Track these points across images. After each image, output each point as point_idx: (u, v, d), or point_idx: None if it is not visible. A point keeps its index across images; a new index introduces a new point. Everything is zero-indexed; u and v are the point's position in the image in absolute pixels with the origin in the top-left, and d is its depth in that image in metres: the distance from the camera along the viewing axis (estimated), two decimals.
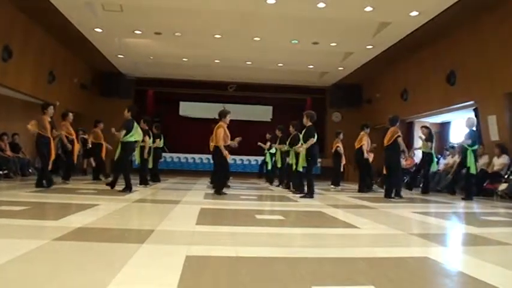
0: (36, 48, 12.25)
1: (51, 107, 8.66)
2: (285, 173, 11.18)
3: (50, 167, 8.51)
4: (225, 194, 8.18)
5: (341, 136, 11.48)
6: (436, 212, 6.65)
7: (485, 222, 5.53)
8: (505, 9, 9.65)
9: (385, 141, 8.75)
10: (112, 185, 8.21)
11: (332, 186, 11.40)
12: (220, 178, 8.64)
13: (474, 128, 9.27)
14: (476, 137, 9.17)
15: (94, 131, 11.58)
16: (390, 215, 5.99)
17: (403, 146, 8.76)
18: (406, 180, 11.20)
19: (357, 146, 10.69)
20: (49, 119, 8.52)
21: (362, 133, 10.72)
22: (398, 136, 8.56)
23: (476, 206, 7.74)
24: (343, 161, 11.52)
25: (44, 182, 8.32)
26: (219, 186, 8.35)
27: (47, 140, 8.35)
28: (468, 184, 9.00)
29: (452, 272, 2.76)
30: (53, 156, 8.55)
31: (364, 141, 10.53)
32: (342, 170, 11.85)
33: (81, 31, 12.26)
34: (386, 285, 2.38)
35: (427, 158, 10.38)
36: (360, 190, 10.19)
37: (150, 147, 10.44)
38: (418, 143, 11.81)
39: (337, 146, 11.31)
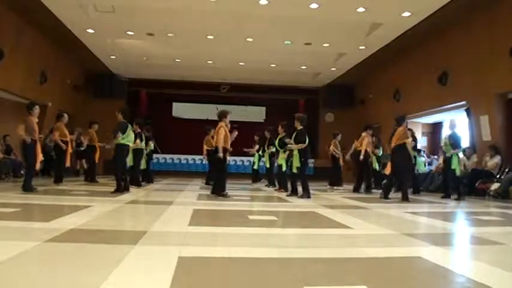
0: (28, 48, 12.16)
1: (37, 106, 8.15)
2: (274, 174, 11.32)
3: (37, 168, 8.25)
4: (226, 195, 7.82)
5: (338, 138, 11.27)
6: (429, 212, 6.69)
7: (477, 222, 5.55)
8: (496, 9, 9.73)
9: (393, 142, 8.38)
10: (121, 187, 8.11)
11: (329, 187, 11.28)
12: (219, 179, 8.20)
13: (456, 131, 9.32)
14: (459, 139, 9.22)
15: (89, 132, 11.29)
16: (383, 215, 6.00)
17: (410, 149, 8.49)
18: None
19: (357, 146, 10.44)
20: (36, 120, 8.04)
21: (364, 134, 10.40)
22: (407, 141, 8.29)
23: (469, 206, 7.78)
24: (341, 163, 11.36)
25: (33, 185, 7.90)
26: (218, 188, 8.02)
27: (33, 143, 7.85)
28: (457, 185, 9.06)
29: (444, 272, 2.76)
30: (40, 159, 8.12)
31: (366, 144, 10.25)
32: (341, 170, 11.68)
33: (73, 32, 12.21)
34: (378, 285, 2.39)
35: None
36: (355, 190, 10.09)
37: (142, 150, 10.46)
38: None
39: (333, 149, 11.13)
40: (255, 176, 13.61)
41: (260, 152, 12.55)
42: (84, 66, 16.65)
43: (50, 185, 9.23)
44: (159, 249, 3.16)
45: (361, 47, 13.11)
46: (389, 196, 8.40)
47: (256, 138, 12.97)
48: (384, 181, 9.65)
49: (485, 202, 8.53)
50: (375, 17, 10.75)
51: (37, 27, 12.14)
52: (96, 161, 11.56)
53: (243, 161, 17.99)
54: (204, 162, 12.74)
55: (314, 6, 9.92)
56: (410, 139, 8.51)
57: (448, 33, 11.51)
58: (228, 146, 8.09)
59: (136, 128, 10.13)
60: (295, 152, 8.41)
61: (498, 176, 9.54)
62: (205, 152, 11.49)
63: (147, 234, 3.70)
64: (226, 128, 8.08)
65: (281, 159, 9.88)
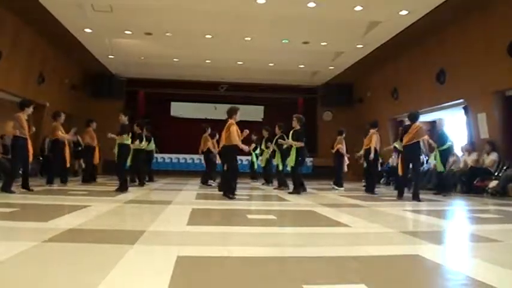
0: (26, 48, 12.14)
1: (32, 106, 7.93)
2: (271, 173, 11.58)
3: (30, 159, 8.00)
4: (235, 198, 7.45)
5: (343, 135, 10.91)
6: (427, 210, 6.69)
7: (476, 220, 5.56)
8: (493, 7, 9.73)
9: (407, 139, 8.01)
10: (125, 187, 8.22)
11: (334, 186, 10.85)
12: (231, 180, 7.72)
13: (443, 129, 9.65)
14: (445, 137, 9.50)
15: (88, 131, 10.89)
16: (382, 213, 6.01)
17: (426, 147, 8.32)
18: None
19: (366, 145, 9.89)
20: (26, 117, 7.71)
21: (372, 131, 9.85)
22: (425, 138, 8.04)
23: (467, 204, 7.80)
24: (347, 161, 11.02)
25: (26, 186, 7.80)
26: (230, 190, 7.57)
27: (24, 142, 7.59)
28: (439, 180, 9.67)
29: (443, 270, 2.77)
30: (31, 158, 7.88)
31: (374, 141, 9.71)
32: (345, 170, 11.23)
33: (71, 31, 12.19)
34: (377, 284, 2.39)
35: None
36: (368, 190, 9.64)
37: (143, 150, 10.49)
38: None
39: (340, 147, 10.74)
40: (254, 174, 13.75)
41: (258, 151, 12.63)
42: (83, 66, 16.63)
43: (44, 185, 9.12)
44: (158, 249, 3.16)
45: (358, 46, 13.11)
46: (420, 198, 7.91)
47: (254, 137, 12.98)
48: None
49: (483, 200, 8.52)
50: (372, 16, 10.76)
51: (35, 27, 12.11)
52: (96, 161, 11.29)
53: (241, 160, 17.98)
54: (202, 161, 12.71)
55: (312, 5, 9.91)
56: (427, 136, 8.40)
57: (446, 32, 11.51)
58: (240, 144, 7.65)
59: (137, 130, 10.13)
60: (292, 151, 8.46)
61: (496, 174, 9.56)
62: (203, 150, 11.43)
63: (145, 233, 3.69)
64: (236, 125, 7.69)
65: (277, 159, 9.96)
